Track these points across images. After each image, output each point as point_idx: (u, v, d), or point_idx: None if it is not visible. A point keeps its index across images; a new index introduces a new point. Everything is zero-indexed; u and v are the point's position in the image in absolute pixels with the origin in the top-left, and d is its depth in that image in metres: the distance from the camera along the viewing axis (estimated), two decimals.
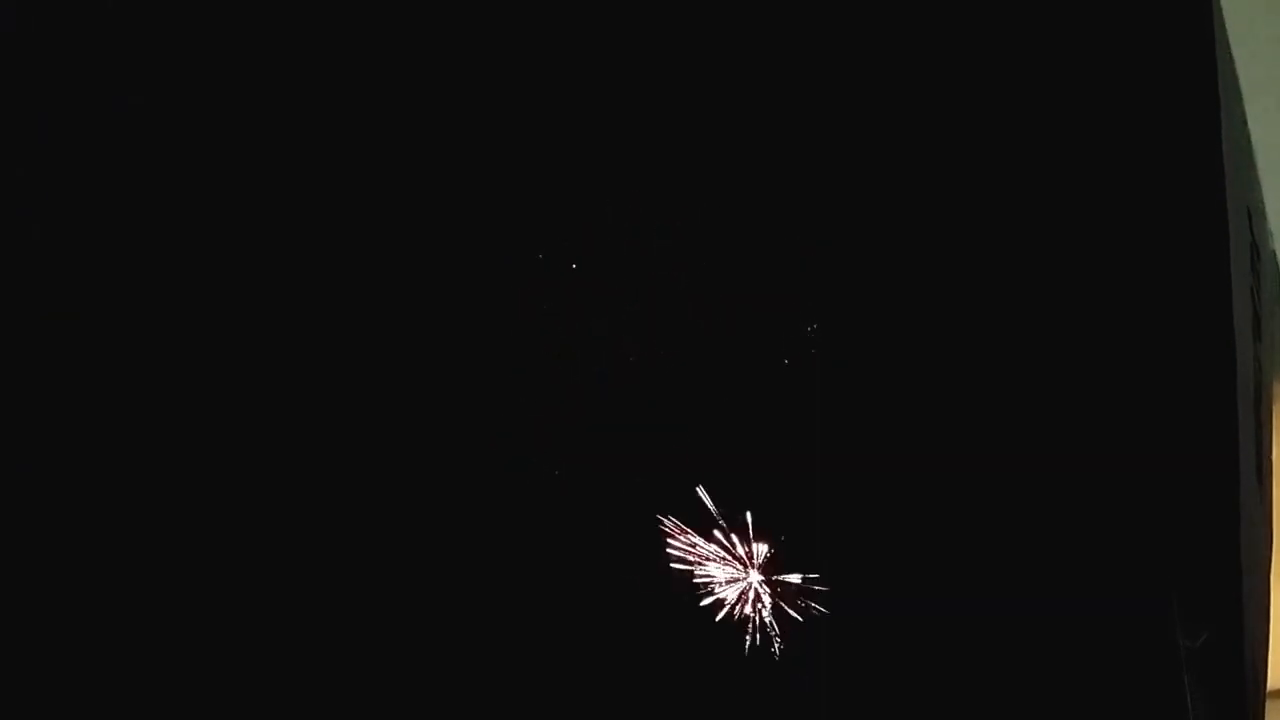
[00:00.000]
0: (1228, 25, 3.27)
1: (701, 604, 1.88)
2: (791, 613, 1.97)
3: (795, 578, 1.95)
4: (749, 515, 1.93)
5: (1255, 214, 3.38)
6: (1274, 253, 3.93)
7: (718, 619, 1.87)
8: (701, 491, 1.88)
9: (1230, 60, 3.23)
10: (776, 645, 1.95)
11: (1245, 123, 3.58)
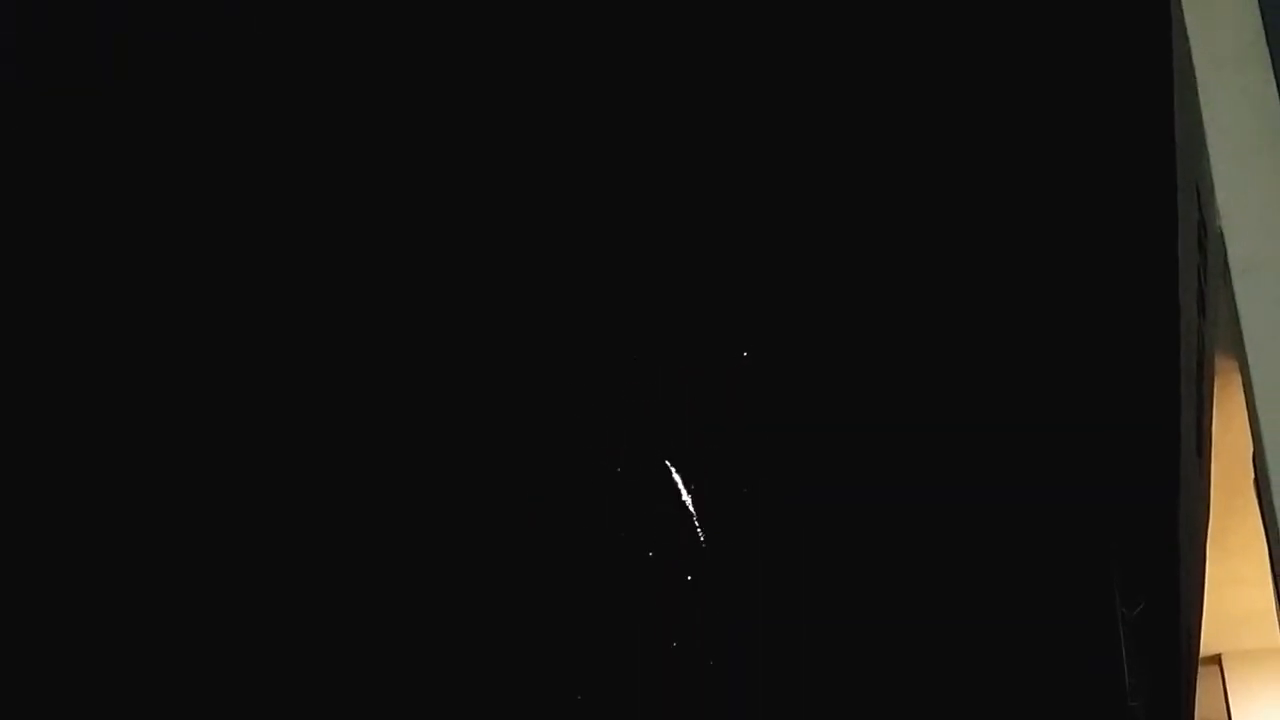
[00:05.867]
0: (1185, 4, 3.34)
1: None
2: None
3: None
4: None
5: (1204, 192, 3.52)
6: (1220, 229, 4.04)
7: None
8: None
9: (1185, 40, 3.34)
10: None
11: (1197, 100, 3.68)
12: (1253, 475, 4.63)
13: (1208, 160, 4.24)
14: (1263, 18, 4.30)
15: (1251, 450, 4.36)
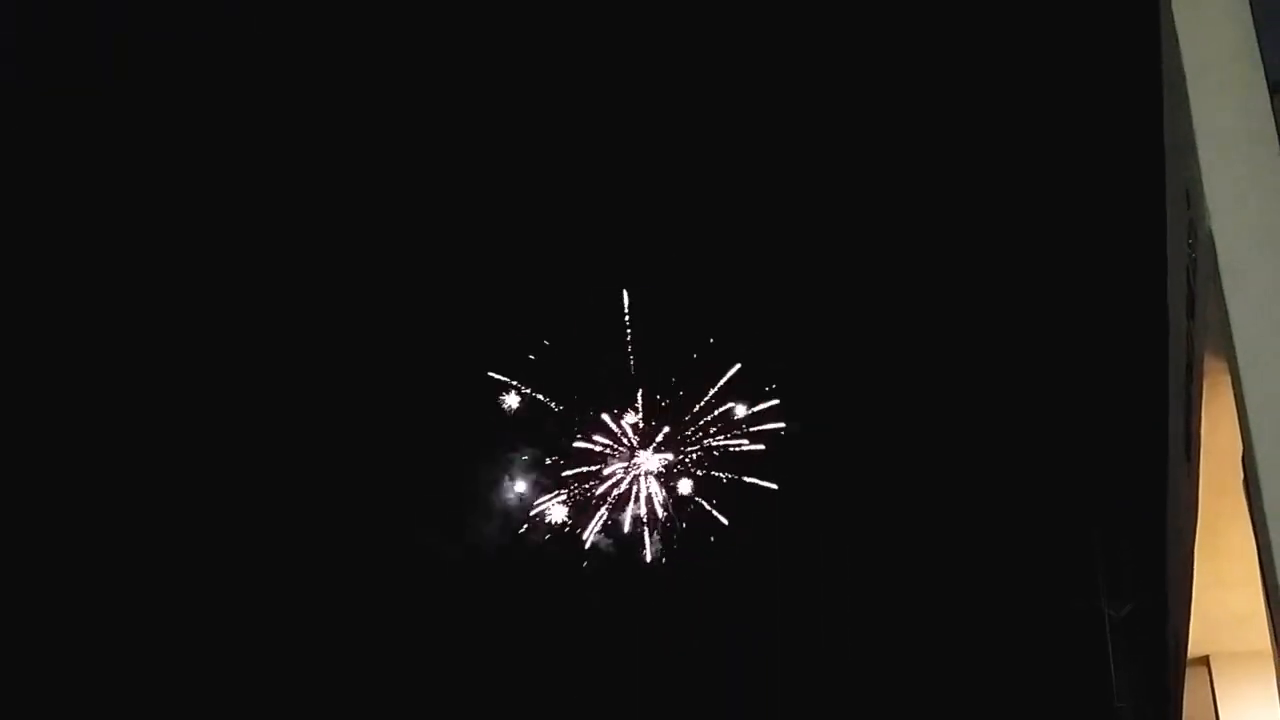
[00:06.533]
0: (1175, 12, 3.33)
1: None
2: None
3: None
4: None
5: (1193, 196, 3.50)
6: (1210, 231, 4.03)
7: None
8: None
9: (1174, 42, 3.32)
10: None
11: (1186, 101, 3.68)
12: (1242, 477, 4.60)
13: (1197, 162, 4.23)
14: (1253, 19, 4.28)
15: (1241, 452, 4.34)
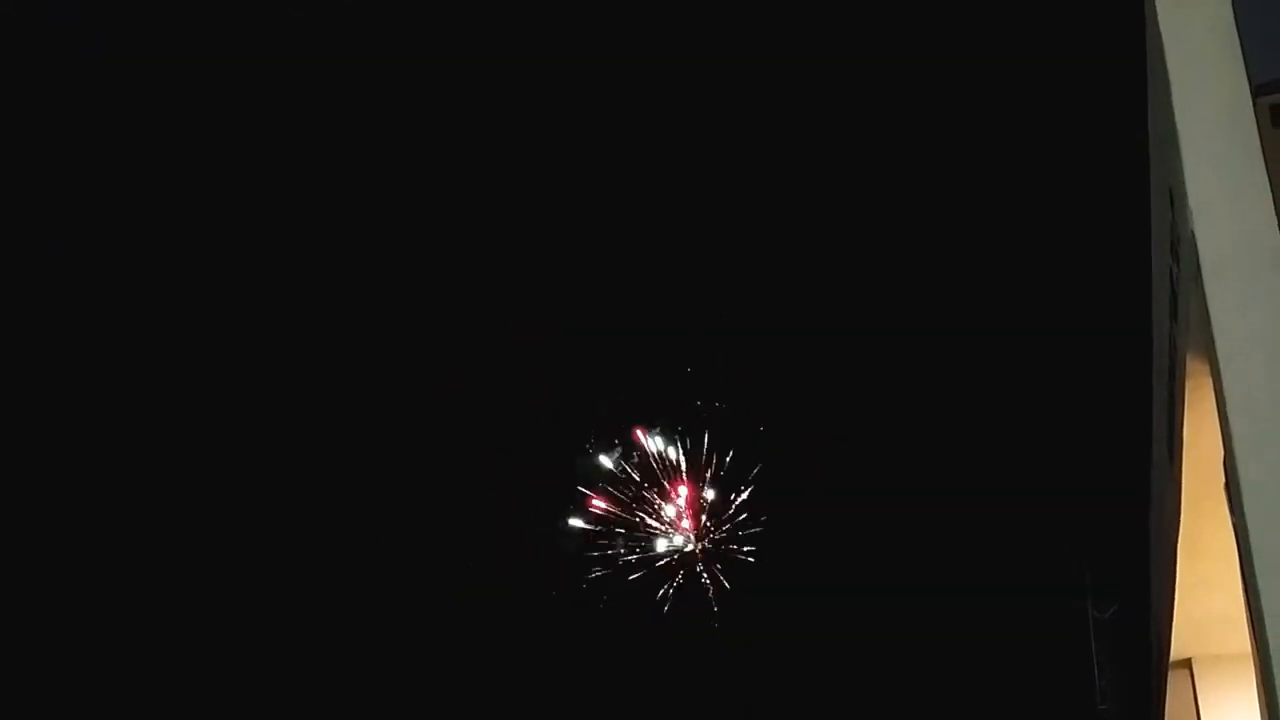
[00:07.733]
0: (1160, 12, 3.33)
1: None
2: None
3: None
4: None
5: (1177, 196, 3.49)
6: (1193, 233, 4.01)
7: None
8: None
9: (1160, 45, 3.32)
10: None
11: (1170, 105, 3.67)
12: (1223, 479, 4.61)
13: (1180, 163, 4.24)
14: (1236, 22, 4.29)
15: (1222, 454, 4.35)
